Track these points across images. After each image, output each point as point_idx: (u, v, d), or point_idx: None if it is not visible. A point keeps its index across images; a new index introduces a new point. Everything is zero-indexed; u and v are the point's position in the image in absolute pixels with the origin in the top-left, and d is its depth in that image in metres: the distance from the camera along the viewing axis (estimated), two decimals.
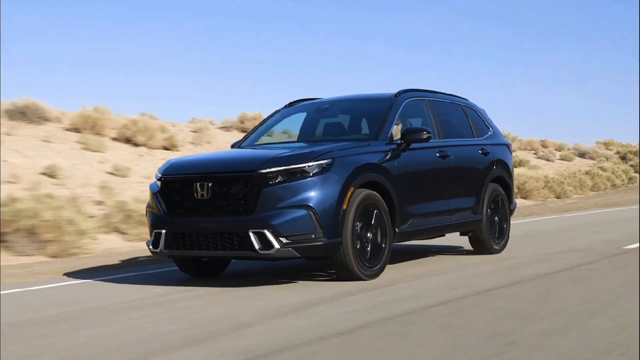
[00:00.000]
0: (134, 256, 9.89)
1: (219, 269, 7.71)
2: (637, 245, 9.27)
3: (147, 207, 7.29)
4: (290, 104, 8.83)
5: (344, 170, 6.66)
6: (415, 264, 8.12)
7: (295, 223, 6.39)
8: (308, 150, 6.87)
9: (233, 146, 8.51)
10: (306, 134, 8.46)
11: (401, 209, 7.26)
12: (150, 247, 7.03)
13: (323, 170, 6.55)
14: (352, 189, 6.67)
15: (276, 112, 8.77)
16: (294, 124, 8.95)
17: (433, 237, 8.46)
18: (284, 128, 9.83)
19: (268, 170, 6.47)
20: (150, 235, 7.06)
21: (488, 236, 8.77)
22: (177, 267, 7.61)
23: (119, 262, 9.23)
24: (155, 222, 6.96)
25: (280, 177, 6.47)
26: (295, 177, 6.49)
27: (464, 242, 9.61)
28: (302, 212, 6.41)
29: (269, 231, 6.34)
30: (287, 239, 6.37)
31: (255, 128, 8.67)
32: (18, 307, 6.15)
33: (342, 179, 6.61)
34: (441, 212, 8.01)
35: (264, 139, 8.51)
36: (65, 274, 8.17)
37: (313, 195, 6.45)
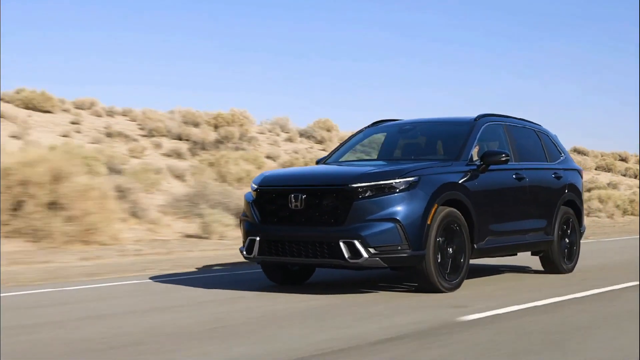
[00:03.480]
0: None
1: (304, 277, 8.20)
2: None
3: (241, 215, 7.85)
4: (373, 124, 9.34)
5: (429, 188, 7.13)
6: (489, 281, 8.50)
7: (383, 235, 6.87)
8: (396, 167, 7.36)
9: (318, 162, 9.05)
10: (386, 153, 8.95)
11: (480, 227, 7.68)
12: (244, 253, 7.56)
13: (410, 186, 7.03)
14: (436, 205, 7.12)
15: (359, 131, 9.29)
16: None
17: (507, 255, 8.84)
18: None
19: (359, 184, 6.97)
20: (244, 242, 7.59)
21: (558, 257, 9.11)
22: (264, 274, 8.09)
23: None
24: (250, 229, 7.49)
25: (370, 191, 6.96)
26: (384, 192, 6.97)
27: (531, 261, 9.95)
28: (390, 224, 6.88)
29: (358, 241, 6.82)
30: (375, 250, 6.84)
31: (340, 146, 9.20)
32: None
33: (427, 195, 7.07)
34: (516, 231, 8.40)
35: (347, 156, 9.01)
36: None
37: (400, 209, 6.92)
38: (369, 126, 9.35)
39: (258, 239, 7.36)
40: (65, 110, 29.95)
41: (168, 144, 27.78)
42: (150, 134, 29.13)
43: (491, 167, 7.98)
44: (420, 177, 7.14)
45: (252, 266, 9.56)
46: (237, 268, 9.87)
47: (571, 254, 9.45)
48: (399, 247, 6.91)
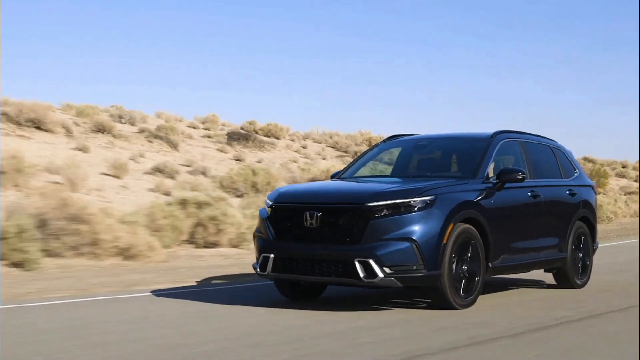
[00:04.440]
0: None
1: (316, 293, 8.17)
2: None
3: (255, 232, 7.82)
4: (389, 139, 9.32)
5: (446, 207, 7.10)
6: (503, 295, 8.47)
7: (399, 254, 6.84)
8: (413, 186, 7.33)
9: (333, 177, 9.02)
10: (401, 168, 8.91)
11: (495, 245, 7.65)
12: (258, 269, 7.54)
13: (427, 205, 7.00)
14: (452, 224, 7.09)
15: (374, 146, 9.26)
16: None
17: (521, 273, 8.82)
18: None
19: (376, 203, 6.94)
20: (258, 259, 7.57)
21: (572, 273, 9.09)
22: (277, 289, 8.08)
23: None
24: (264, 246, 7.46)
25: (386, 210, 6.93)
26: (400, 211, 6.94)
27: (543, 276, 9.91)
28: (406, 244, 6.86)
29: (373, 261, 6.80)
30: (391, 269, 6.82)
31: (355, 161, 9.17)
32: None
33: (443, 215, 7.04)
34: (530, 249, 8.37)
35: (362, 171, 8.97)
36: None
37: (416, 229, 6.90)
38: (384, 141, 9.32)
39: (272, 256, 7.33)
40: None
41: None
42: None
43: (507, 185, 7.94)
44: (437, 196, 7.11)
45: None
46: None
47: (584, 270, 9.41)
48: (415, 267, 6.88)
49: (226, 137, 30.65)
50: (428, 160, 8.80)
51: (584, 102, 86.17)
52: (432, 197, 7.07)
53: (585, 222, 9.45)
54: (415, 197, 7.01)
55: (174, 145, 27.25)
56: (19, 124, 21.39)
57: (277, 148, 31.56)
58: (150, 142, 26.78)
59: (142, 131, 27.83)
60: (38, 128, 22.13)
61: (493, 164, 8.13)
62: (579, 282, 9.24)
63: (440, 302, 7.20)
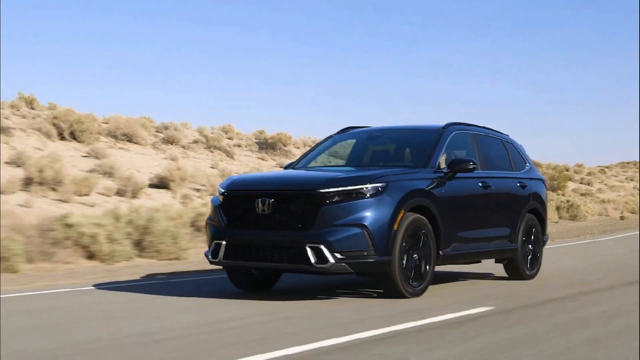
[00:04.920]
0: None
1: (270, 283, 8.16)
2: None
3: (207, 219, 7.80)
4: (342, 131, 9.36)
5: (397, 194, 7.16)
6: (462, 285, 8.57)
7: (350, 240, 6.87)
8: (365, 173, 7.39)
9: (287, 167, 9.04)
10: (355, 159, 8.97)
11: (446, 233, 7.73)
12: (210, 257, 7.50)
13: (378, 192, 7.05)
14: (402, 211, 7.15)
15: (328, 137, 9.31)
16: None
17: (471, 263, 8.93)
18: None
19: (327, 190, 6.97)
20: (210, 246, 7.54)
21: (522, 264, 9.23)
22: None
23: None
24: (216, 233, 7.44)
25: (338, 197, 6.96)
26: (352, 197, 6.98)
27: (493, 268, 10.06)
28: (357, 230, 6.89)
29: (325, 246, 6.82)
30: (342, 255, 6.84)
31: (309, 152, 9.21)
32: None
33: (394, 202, 7.10)
34: (481, 238, 8.48)
35: (315, 163, 9.00)
36: None
37: (368, 215, 6.94)
38: (338, 133, 9.36)
39: (224, 243, 7.31)
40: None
41: None
42: None
43: (458, 174, 8.04)
44: (388, 184, 7.16)
45: None
46: None
47: (534, 262, 9.57)
48: (366, 253, 6.92)
49: (257, 146, 32.19)
50: (381, 151, 8.87)
51: (526, 103, 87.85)
52: (383, 184, 7.12)
53: (536, 215, 9.61)
54: (366, 184, 7.05)
55: (230, 155, 28.44)
56: (116, 137, 23.93)
57: (295, 154, 32.55)
58: (211, 152, 27.81)
59: (195, 142, 28.95)
60: (129, 141, 24.70)
61: (445, 155, 8.23)
62: (528, 273, 9.38)
63: (391, 291, 7.25)
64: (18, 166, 16.77)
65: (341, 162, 9.40)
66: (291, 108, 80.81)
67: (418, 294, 7.38)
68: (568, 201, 31.51)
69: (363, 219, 6.92)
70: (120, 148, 23.20)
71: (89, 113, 23.94)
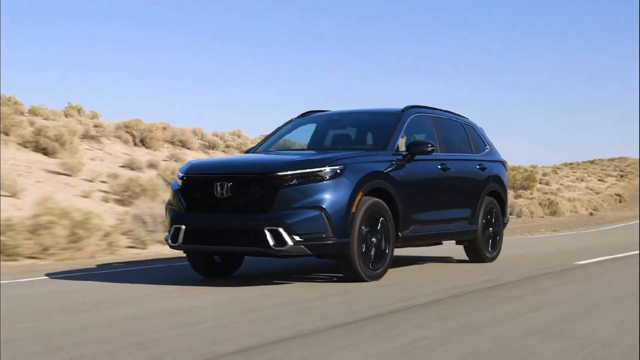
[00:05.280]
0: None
1: (231, 269, 8.16)
2: None
3: (167, 204, 7.77)
4: (303, 115, 9.38)
5: (355, 176, 7.19)
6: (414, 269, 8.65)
7: (308, 223, 6.89)
8: (323, 156, 7.41)
9: (248, 152, 9.03)
10: (316, 143, 8.98)
11: (404, 215, 7.79)
12: (169, 241, 7.48)
13: (336, 175, 7.07)
14: (360, 194, 7.19)
15: (289, 121, 9.31)
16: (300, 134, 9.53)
17: (432, 244, 9.00)
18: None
19: (285, 172, 6.97)
20: (169, 231, 7.52)
21: (482, 246, 9.33)
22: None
23: None
24: (175, 218, 7.41)
25: (296, 179, 6.98)
26: (309, 180, 7.00)
27: (454, 252, 10.17)
28: (315, 212, 6.91)
29: (283, 229, 6.82)
30: (300, 237, 6.86)
31: (269, 136, 9.21)
32: None
33: (352, 184, 7.13)
34: (440, 220, 8.56)
35: (275, 147, 9.01)
36: None
37: (325, 197, 6.96)
38: (298, 117, 9.37)
39: (183, 227, 7.29)
40: None
41: None
42: None
43: (417, 157, 8.09)
44: (346, 166, 7.19)
45: None
46: None
47: (495, 244, 9.68)
48: (324, 235, 6.94)
49: None
50: (341, 135, 8.89)
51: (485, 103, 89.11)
52: (341, 166, 7.14)
53: (496, 197, 9.71)
54: (324, 167, 7.07)
55: None
56: (173, 143, 27.52)
57: None
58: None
59: (227, 147, 31.19)
60: (183, 146, 28.47)
61: (405, 137, 8.27)
62: (489, 255, 9.50)
63: (349, 273, 7.29)
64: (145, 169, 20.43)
65: (301, 145, 9.42)
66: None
67: (377, 276, 7.43)
68: (548, 199, 35.45)
69: (321, 202, 6.94)
70: (181, 152, 26.79)
71: (153, 122, 27.71)
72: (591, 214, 37.63)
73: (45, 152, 19.81)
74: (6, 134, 19.94)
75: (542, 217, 31.45)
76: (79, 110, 30.40)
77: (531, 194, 41.56)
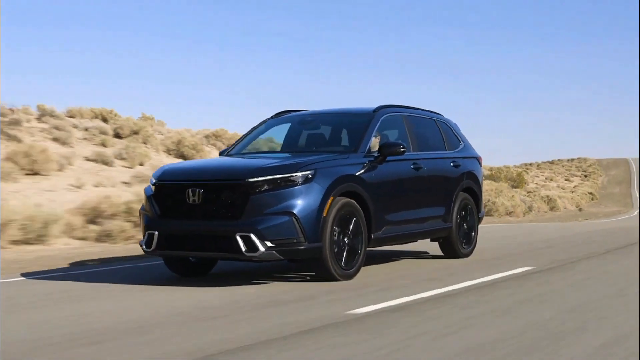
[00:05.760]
0: None
1: (206, 269, 8.24)
2: None
3: (140, 209, 7.84)
4: (276, 115, 9.41)
5: (325, 181, 7.26)
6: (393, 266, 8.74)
7: (279, 228, 6.98)
8: (293, 161, 7.47)
9: (221, 154, 9.07)
10: (289, 144, 9.05)
11: (376, 217, 7.87)
12: (144, 247, 7.56)
13: (306, 180, 7.14)
14: (332, 197, 7.27)
15: (262, 122, 9.34)
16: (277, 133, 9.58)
17: (405, 243, 9.09)
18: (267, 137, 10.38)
19: (256, 179, 7.04)
20: (144, 236, 7.59)
21: (457, 242, 9.44)
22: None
23: None
24: (149, 223, 7.49)
25: (266, 185, 7.05)
26: (280, 185, 7.07)
27: (430, 247, 10.27)
28: (286, 218, 6.99)
29: (254, 235, 6.91)
30: (272, 243, 6.95)
31: (243, 137, 9.24)
32: None
33: (323, 188, 7.21)
34: (414, 220, 8.64)
35: (250, 147, 9.05)
36: None
37: (296, 203, 7.04)
38: (272, 117, 9.41)
39: (157, 233, 7.37)
40: None
41: None
42: None
43: (389, 158, 8.16)
44: (316, 171, 7.25)
45: None
46: None
47: (469, 239, 9.79)
48: (295, 240, 7.03)
49: None
50: (314, 136, 8.95)
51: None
52: (311, 171, 7.21)
53: (470, 193, 9.80)
54: (294, 172, 7.14)
55: None
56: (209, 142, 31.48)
57: None
58: None
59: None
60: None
61: (379, 137, 8.32)
62: (464, 251, 9.61)
63: (322, 274, 7.39)
64: None
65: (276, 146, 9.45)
66: None
67: (350, 276, 7.54)
68: (547, 196, 39.10)
69: (292, 207, 7.02)
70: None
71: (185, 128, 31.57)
72: (580, 209, 40.65)
73: (183, 157, 25.83)
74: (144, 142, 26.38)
75: (546, 212, 34.34)
76: (151, 120, 32.95)
77: (527, 193, 44.88)
